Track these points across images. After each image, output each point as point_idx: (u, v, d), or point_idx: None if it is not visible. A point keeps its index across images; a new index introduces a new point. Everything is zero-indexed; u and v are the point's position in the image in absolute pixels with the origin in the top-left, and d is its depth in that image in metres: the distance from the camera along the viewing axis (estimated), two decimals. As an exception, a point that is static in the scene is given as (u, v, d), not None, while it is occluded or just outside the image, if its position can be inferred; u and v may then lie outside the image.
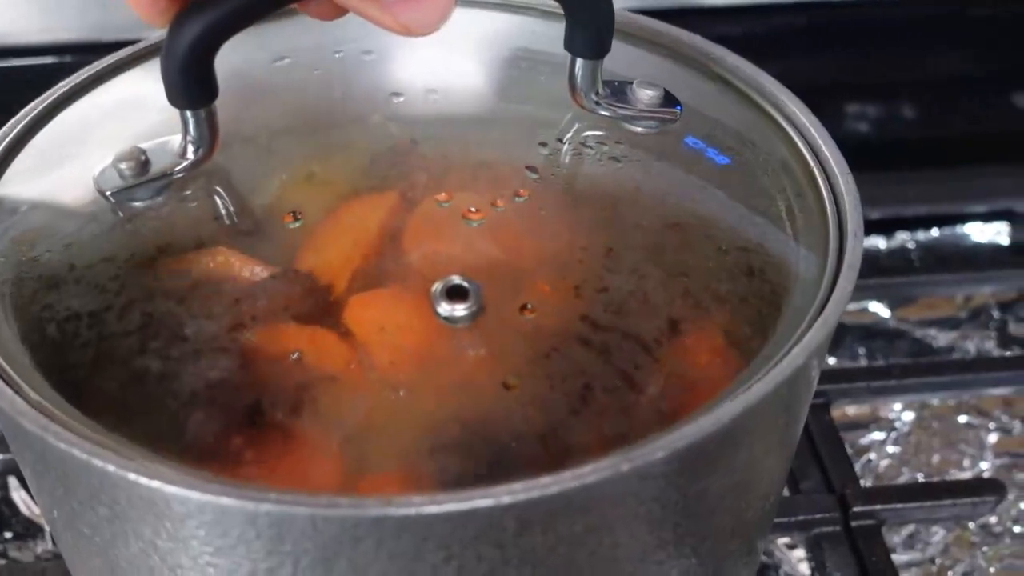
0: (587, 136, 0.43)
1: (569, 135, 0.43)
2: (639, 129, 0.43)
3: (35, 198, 0.42)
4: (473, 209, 0.39)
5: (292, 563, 0.34)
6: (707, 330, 0.37)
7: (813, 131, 0.43)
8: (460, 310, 0.36)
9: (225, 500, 0.32)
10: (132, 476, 0.33)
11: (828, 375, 0.60)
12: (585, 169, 0.42)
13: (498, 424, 0.34)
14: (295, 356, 0.36)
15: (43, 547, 0.57)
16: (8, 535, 0.58)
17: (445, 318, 0.36)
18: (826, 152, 0.42)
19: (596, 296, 0.37)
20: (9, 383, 0.36)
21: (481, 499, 0.32)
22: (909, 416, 0.64)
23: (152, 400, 0.35)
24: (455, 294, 0.36)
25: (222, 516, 0.33)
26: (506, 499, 0.32)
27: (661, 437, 0.33)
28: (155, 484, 0.33)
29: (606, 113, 0.42)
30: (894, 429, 0.64)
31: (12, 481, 0.60)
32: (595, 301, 0.37)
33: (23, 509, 0.59)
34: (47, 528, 0.58)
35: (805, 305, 0.38)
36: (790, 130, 0.43)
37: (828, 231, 0.41)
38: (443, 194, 0.40)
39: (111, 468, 0.33)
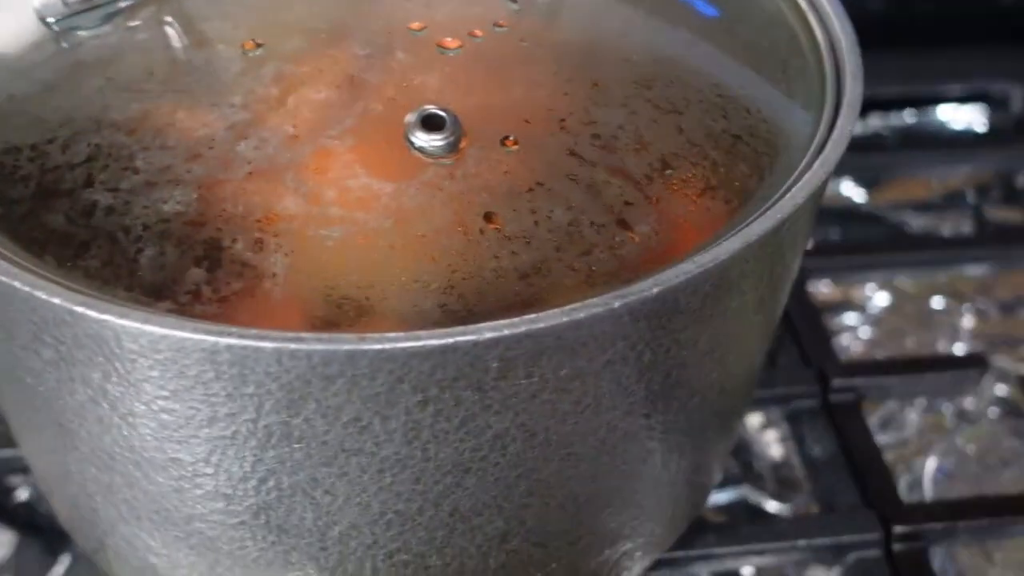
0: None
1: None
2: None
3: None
4: (449, 39, 0.36)
5: (255, 407, 0.31)
6: (700, 168, 0.34)
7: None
8: (436, 140, 0.33)
9: (182, 334, 0.30)
10: (79, 309, 0.30)
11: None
12: (569, 5, 0.39)
13: (479, 261, 0.32)
14: (254, 187, 0.33)
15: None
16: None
17: (419, 149, 0.33)
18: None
19: (583, 130, 0.34)
20: (-60, 215, 0.33)
21: (462, 335, 0.30)
22: (883, 299, 0.62)
23: (101, 236, 0.32)
24: (431, 124, 0.33)
25: (178, 353, 0.30)
26: (489, 335, 0.30)
27: (655, 274, 0.31)
28: (105, 317, 0.30)
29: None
30: (867, 312, 0.62)
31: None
32: (582, 135, 0.34)
33: None
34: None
35: (803, 146, 0.36)
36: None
37: (825, 74, 0.38)
38: (416, 23, 0.37)
39: (56, 300, 0.30)
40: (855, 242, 0.62)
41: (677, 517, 0.41)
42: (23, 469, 0.50)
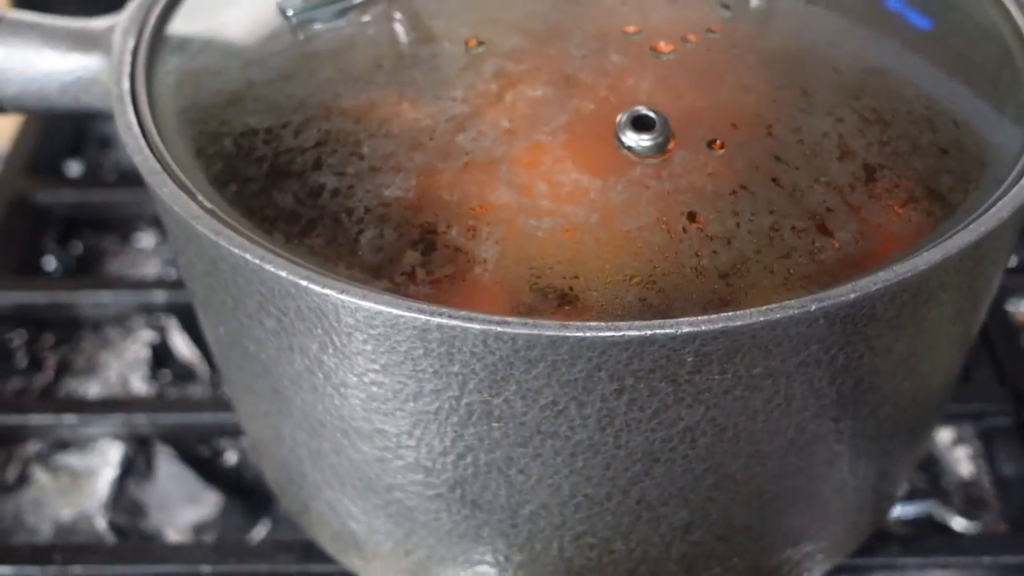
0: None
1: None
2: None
3: (219, 20, 0.41)
4: (663, 43, 0.37)
5: (459, 385, 0.33)
6: (905, 179, 0.35)
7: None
8: (645, 140, 0.34)
9: (397, 311, 0.31)
10: (304, 283, 0.32)
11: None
12: (780, 12, 0.40)
13: (680, 259, 0.33)
14: (469, 177, 0.35)
15: (198, 389, 0.58)
16: (167, 375, 0.59)
17: (629, 148, 0.35)
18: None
19: (789, 136, 0.35)
20: (184, 190, 0.35)
21: (660, 328, 0.31)
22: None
23: (326, 216, 0.35)
24: (641, 124, 0.35)
25: (392, 329, 0.32)
26: (686, 329, 0.31)
27: (854, 280, 0.32)
28: (327, 291, 0.32)
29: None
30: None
31: (173, 323, 0.60)
32: (788, 141, 0.35)
33: (182, 351, 0.60)
34: (201, 370, 0.59)
35: (1011, 161, 0.36)
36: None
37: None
38: (631, 27, 0.38)
39: (283, 274, 0.32)
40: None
41: (860, 524, 0.41)
42: (233, 433, 0.53)
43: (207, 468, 0.56)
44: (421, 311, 0.31)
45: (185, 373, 0.60)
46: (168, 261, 0.65)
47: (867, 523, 0.42)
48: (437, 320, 0.31)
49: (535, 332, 0.31)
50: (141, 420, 0.51)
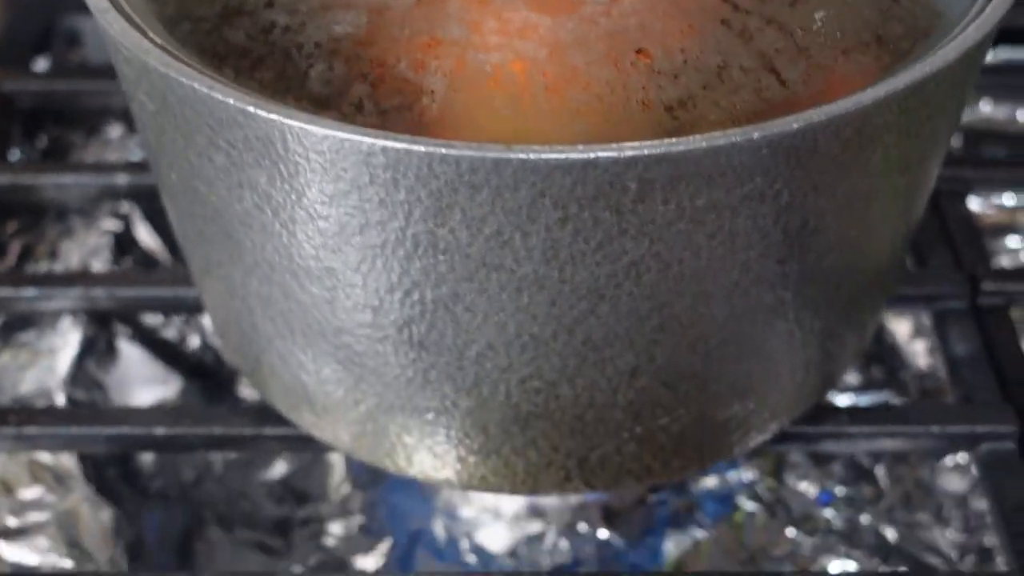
0: None
1: None
2: None
3: None
4: None
5: (404, 214, 0.33)
6: (855, 24, 0.35)
7: None
8: (596, -22, 0.35)
9: (343, 135, 0.32)
10: (251, 109, 0.32)
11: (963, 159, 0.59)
12: None
13: (627, 92, 0.33)
14: (420, 13, 0.35)
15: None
16: (128, 263, 0.59)
17: (580, -15, 0.35)
18: None
19: (740, -22, 0.35)
20: (136, 28, 0.35)
21: (603, 151, 0.31)
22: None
23: (276, 51, 0.35)
24: (592, -38, 0.35)
25: (338, 155, 0.32)
26: (629, 153, 0.31)
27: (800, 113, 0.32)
28: (273, 117, 0.32)
29: None
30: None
31: (137, 213, 0.60)
32: (738, -17, 0.35)
33: (145, 239, 0.60)
34: (163, 258, 0.59)
35: (961, 10, 0.36)
36: None
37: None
38: None
39: (231, 101, 0.33)
40: (1021, 159, 0.61)
41: (807, 385, 0.42)
42: (193, 309, 0.53)
43: (168, 352, 0.57)
44: (366, 135, 0.31)
45: (147, 261, 0.60)
46: (136, 151, 0.65)
47: (814, 386, 0.42)
48: (382, 143, 0.31)
49: (479, 155, 0.31)
50: (100, 294, 0.51)
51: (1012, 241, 0.61)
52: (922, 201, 0.41)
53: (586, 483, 0.41)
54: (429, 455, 0.40)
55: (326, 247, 0.35)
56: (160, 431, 0.45)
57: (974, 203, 0.60)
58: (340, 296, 0.36)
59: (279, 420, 0.45)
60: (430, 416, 0.39)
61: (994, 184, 0.57)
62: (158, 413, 0.46)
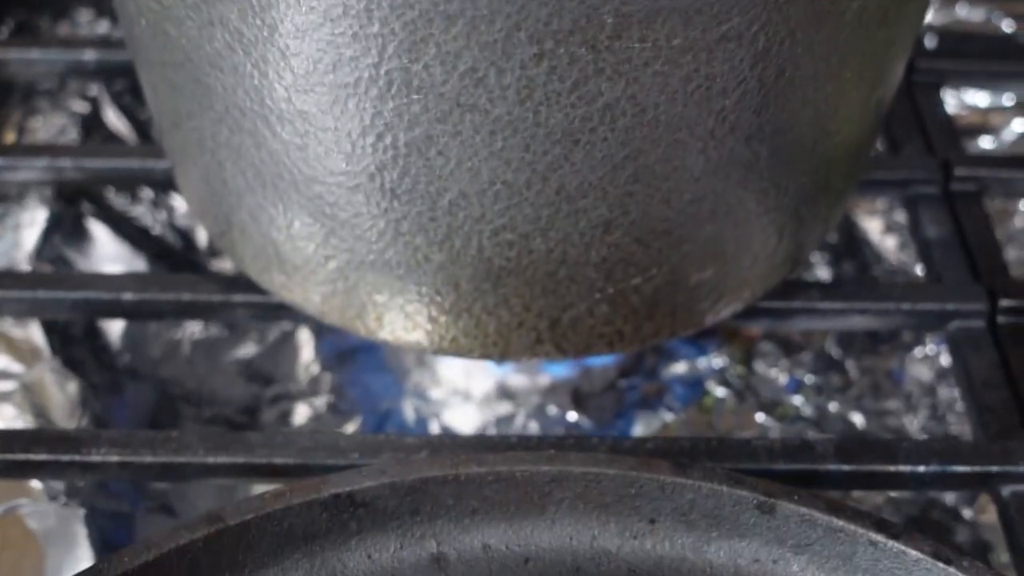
0: None
1: None
2: None
3: None
4: None
5: (378, 50, 0.33)
6: None
7: None
8: None
9: (316, -43, 0.31)
10: (223, -66, 0.32)
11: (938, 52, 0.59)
12: None
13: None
14: None
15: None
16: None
17: None
18: None
19: None
20: None
21: (580, -18, 0.31)
22: (1020, 125, 0.61)
23: None
24: None
25: (312, -18, 0.32)
26: (607, -17, 0.31)
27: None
28: (246, -57, 0.32)
29: None
30: (1002, 139, 0.61)
31: (105, 95, 0.60)
32: None
33: (112, 121, 0.59)
34: (131, 139, 0.59)
35: None
36: None
37: None
38: None
39: (202, -74, 0.32)
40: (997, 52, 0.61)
41: (780, 253, 0.41)
42: (161, 184, 0.53)
43: (135, 232, 0.56)
44: (340, -41, 0.31)
45: (114, 143, 0.59)
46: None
47: (786, 255, 0.42)
48: (356, -31, 0.31)
49: (454, -21, 0.31)
50: (67, 164, 0.50)
51: (985, 142, 0.61)
52: (897, 68, 0.41)
53: (557, 347, 0.41)
54: (400, 315, 0.40)
55: (298, 88, 0.35)
56: (127, 296, 0.45)
57: (949, 104, 0.60)
58: (312, 142, 0.36)
59: (249, 287, 0.44)
60: (401, 272, 0.38)
61: (968, 78, 0.57)
62: (125, 279, 0.46)
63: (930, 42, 0.63)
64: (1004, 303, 0.45)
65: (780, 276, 0.43)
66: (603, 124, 0.34)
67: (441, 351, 0.41)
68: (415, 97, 0.33)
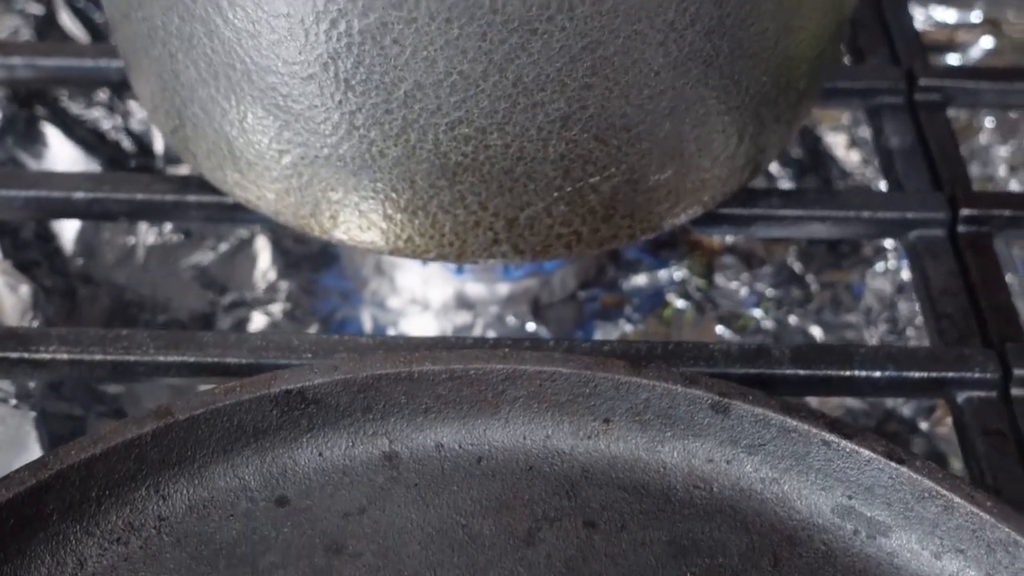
0: None
1: None
2: None
3: None
4: None
5: None
6: None
7: None
8: None
9: None
10: None
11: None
12: None
13: None
14: None
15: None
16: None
17: None
18: None
19: None
20: None
21: None
22: (988, 42, 0.61)
23: None
24: None
25: None
26: None
27: None
28: None
29: None
30: (968, 55, 0.61)
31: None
32: None
33: (67, 25, 0.58)
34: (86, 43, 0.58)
35: None
36: None
37: None
38: None
39: None
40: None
41: (739, 157, 0.41)
42: (114, 84, 0.52)
43: (89, 137, 0.55)
44: None
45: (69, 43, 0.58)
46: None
47: (746, 160, 0.41)
48: None
49: None
50: (18, 62, 0.49)
51: (951, 59, 0.61)
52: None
53: (514, 248, 0.40)
54: (354, 213, 0.39)
55: (249, -29, 0.34)
56: (80, 195, 0.44)
57: (917, 20, 0.60)
58: (264, 29, 0.35)
59: (204, 188, 0.44)
60: (356, 167, 0.38)
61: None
62: (77, 178, 0.45)
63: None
64: (965, 212, 0.44)
65: (741, 181, 0.42)
66: (561, 12, 0.33)
67: (396, 251, 0.40)
68: (369, -19, 0.33)
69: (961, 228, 0.45)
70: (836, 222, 0.45)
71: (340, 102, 0.36)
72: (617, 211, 0.40)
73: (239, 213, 0.44)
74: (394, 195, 0.38)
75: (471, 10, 0.33)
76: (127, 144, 0.55)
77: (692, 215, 0.42)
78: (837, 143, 0.57)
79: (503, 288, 0.51)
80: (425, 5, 0.33)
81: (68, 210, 0.45)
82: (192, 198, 0.44)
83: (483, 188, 0.38)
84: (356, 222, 0.40)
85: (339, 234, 0.40)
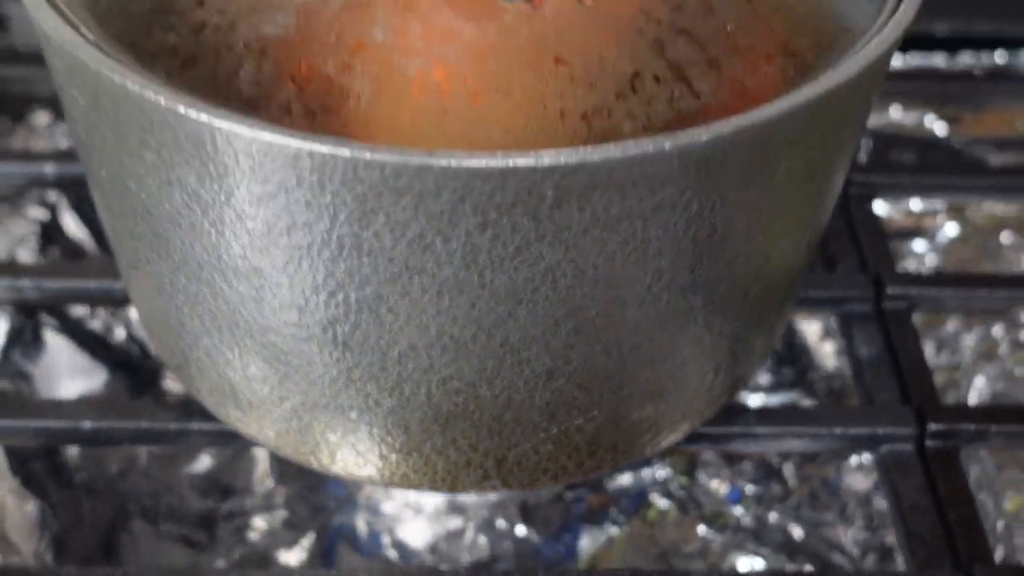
0: None
1: None
2: None
3: None
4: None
5: (330, 217, 0.34)
6: (763, 38, 0.37)
7: None
8: (516, -10, 0.36)
9: (271, 136, 0.33)
10: (182, 109, 0.33)
11: (872, 164, 0.61)
12: None
13: (545, 99, 0.34)
14: (347, 18, 0.36)
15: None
16: (55, 253, 0.60)
17: (501, -4, 0.36)
18: None
19: (655, -7, 0.37)
20: (69, 24, 0.36)
21: (522, 159, 0.32)
22: (952, 229, 0.64)
23: (206, 51, 0.36)
24: (513, -25, 0.36)
25: (266, 157, 0.33)
26: (547, 161, 0.32)
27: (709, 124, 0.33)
28: (204, 118, 0.33)
29: None
30: (936, 241, 0.64)
31: (64, 202, 0.61)
32: (654, -2, 0.37)
33: (72, 229, 0.60)
34: (90, 247, 0.60)
35: (866, 25, 0.38)
36: None
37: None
38: None
39: (162, 101, 0.33)
40: (927, 165, 0.63)
41: (717, 387, 0.43)
42: (119, 302, 0.54)
43: (94, 344, 0.57)
44: (293, 137, 0.32)
45: (74, 251, 0.60)
46: (62, 139, 0.65)
47: (724, 388, 0.44)
48: (308, 147, 0.32)
49: (402, 160, 0.32)
50: (26, 284, 0.51)
51: (918, 245, 0.64)
52: (828, 208, 0.42)
53: (503, 482, 0.42)
54: (352, 453, 0.41)
55: (253, 247, 0.36)
56: (86, 424, 0.46)
57: (882, 207, 0.63)
58: (267, 295, 0.37)
59: (205, 415, 0.46)
60: (353, 414, 0.40)
61: (901, 189, 0.60)
62: (84, 406, 0.47)
63: (864, 146, 0.65)
64: (932, 427, 0.47)
65: (717, 407, 0.45)
66: (545, 284, 0.35)
67: (392, 485, 0.42)
68: (365, 260, 0.35)
69: (929, 443, 0.47)
70: (811, 438, 0.47)
71: (338, 359, 0.38)
72: (600, 445, 0.42)
73: (240, 439, 0.46)
74: (389, 439, 0.40)
75: (461, 285, 0.35)
76: (131, 350, 0.57)
77: (673, 441, 0.44)
78: (811, 332, 0.60)
79: (493, 493, 0.52)
80: (418, 281, 0.35)
81: (76, 438, 0.47)
82: (195, 425, 0.46)
83: (473, 433, 0.40)
84: (354, 460, 0.42)
85: (337, 470, 0.42)
